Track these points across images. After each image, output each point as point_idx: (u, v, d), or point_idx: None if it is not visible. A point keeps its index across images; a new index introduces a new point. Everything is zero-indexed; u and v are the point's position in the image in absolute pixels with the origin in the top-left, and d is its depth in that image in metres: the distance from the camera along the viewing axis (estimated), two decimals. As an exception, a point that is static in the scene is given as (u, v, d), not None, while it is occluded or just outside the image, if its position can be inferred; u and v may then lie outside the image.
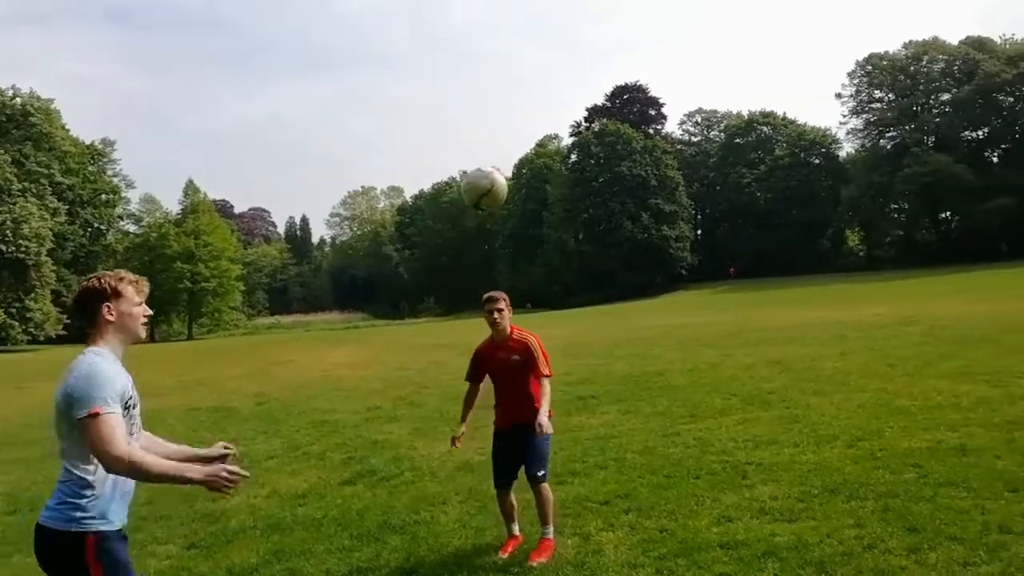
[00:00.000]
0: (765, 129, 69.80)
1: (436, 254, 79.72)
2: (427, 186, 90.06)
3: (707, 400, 9.43)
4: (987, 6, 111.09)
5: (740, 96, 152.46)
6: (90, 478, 2.42)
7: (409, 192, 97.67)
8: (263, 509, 6.06)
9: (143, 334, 2.70)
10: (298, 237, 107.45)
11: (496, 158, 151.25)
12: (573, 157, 68.13)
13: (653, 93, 71.99)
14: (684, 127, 78.40)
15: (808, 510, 4.79)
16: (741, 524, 4.66)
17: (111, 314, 2.57)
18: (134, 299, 2.62)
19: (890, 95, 62.45)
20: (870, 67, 63.66)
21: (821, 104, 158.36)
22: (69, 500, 2.41)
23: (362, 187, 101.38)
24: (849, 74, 64.77)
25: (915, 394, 8.57)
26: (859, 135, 64.83)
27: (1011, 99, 56.09)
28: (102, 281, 2.59)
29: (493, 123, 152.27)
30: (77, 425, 2.36)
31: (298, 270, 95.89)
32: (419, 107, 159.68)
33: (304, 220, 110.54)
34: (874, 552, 4.00)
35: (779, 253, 60.34)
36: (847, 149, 67.35)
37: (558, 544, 4.48)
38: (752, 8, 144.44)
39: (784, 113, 70.33)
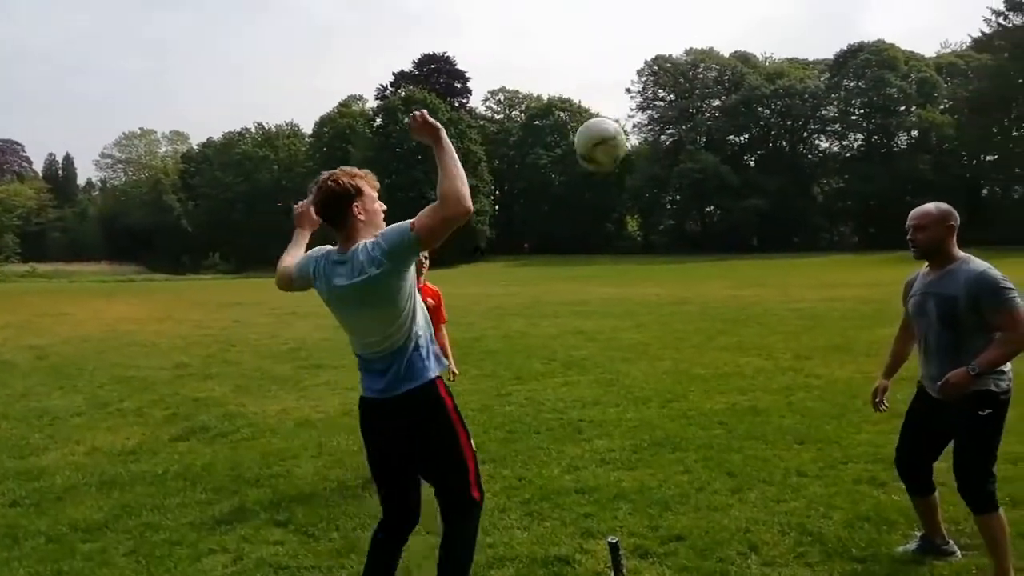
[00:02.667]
0: (562, 115, 73.18)
1: (225, 208, 74.30)
2: (217, 135, 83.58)
3: (528, 364, 10.04)
4: (751, 24, 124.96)
5: (541, 80, 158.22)
6: None
7: (196, 139, 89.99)
8: (88, 466, 5.60)
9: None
10: (60, 177, 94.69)
11: (293, 114, 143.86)
12: (379, 121, 66.90)
13: (460, 66, 72.66)
14: (488, 104, 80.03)
15: (643, 460, 5.42)
16: (588, 472, 5.18)
17: (361, 213, 2.68)
18: (373, 195, 2.75)
19: (671, 95, 68.33)
20: (656, 67, 69.12)
21: (612, 95, 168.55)
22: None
23: (140, 129, 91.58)
24: (638, 72, 69.96)
25: (705, 363, 9.78)
26: (644, 129, 70.36)
27: (767, 111, 63.85)
28: (341, 182, 2.66)
29: (291, 77, 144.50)
30: None
31: (59, 214, 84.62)
32: (203, 47, 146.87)
33: (68, 159, 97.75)
34: (704, 492, 4.67)
35: (570, 233, 63.97)
36: (633, 141, 72.76)
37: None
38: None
39: (580, 101, 74.39)
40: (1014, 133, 53.06)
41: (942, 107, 57.51)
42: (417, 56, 73.22)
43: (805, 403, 7.11)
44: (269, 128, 79.42)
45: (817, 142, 64.16)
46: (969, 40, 60.03)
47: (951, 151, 56.43)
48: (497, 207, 71.47)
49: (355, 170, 2.73)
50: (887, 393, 3.82)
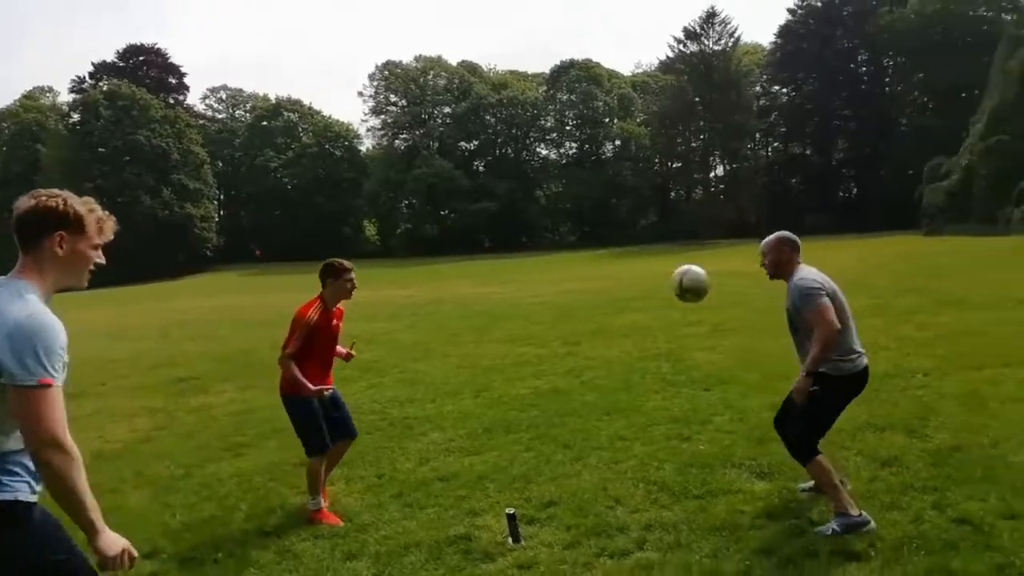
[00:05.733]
0: (292, 116, 70.86)
1: None
2: None
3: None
4: (473, 35, 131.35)
5: (267, 79, 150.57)
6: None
7: None
8: None
9: (84, 283, 2.22)
10: None
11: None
12: (76, 116, 59.21)
13: (174, 60, 66.99)
14: (208, 102, 74.77)
15: (484, 445, 5.85)
16: (440, 462, 5.49)
17: (61, 247, 2.10)
18: (94, 238, 2.18)
19: (403, 101, 69.49)
20: (387, 72, 69.86)
21: (344, 97, 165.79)
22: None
23: None
24: (370, 76, 70.14)
25: (490, 356, 10.49)
26: (378, 133, 70.72)
27: (494, 119, 67.77)
28: (65, 203, 2.11)
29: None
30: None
31: None
32: None
33: None
34: (551, 464, 5.22)
35: (306, 238, 62.14)
36: (368, 144, 72.80)
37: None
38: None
39: (310, 103, 72.59)
40: (693, 144, 62.29)
41: (639, 120, 65.61)
42: (121, 46, 66.14)
43: (595, 381, 8.07)
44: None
45: (538, 149, 69.52)
46: (657, 62, 69.34)
47: (647, 159, 64.65)
48: (223, 212, 67.16)
49: (94, 204, 2.23)
50: None
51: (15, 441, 2.01)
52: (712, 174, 63.44)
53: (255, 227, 65.56)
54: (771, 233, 4.34)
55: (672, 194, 66.35)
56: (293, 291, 34.86)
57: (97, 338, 16.64)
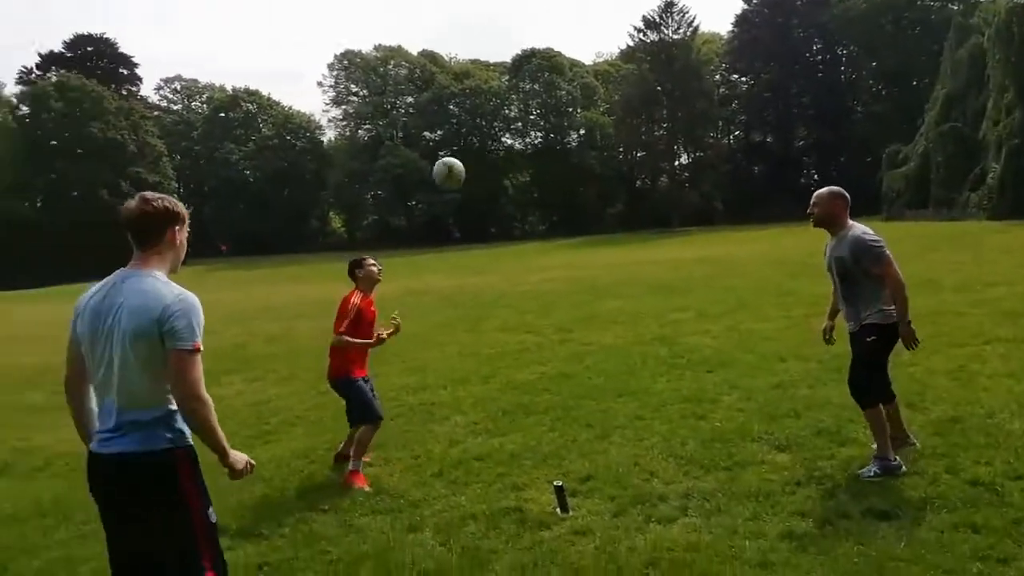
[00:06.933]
0: (251, 107, 69.71)
1: None
2: None
3: (323, 363, 10.04)
4: (439, 27, 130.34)
5: (223, 70, 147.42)
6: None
7: None
8: None
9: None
10: None
11: None
12: (25, 109, 57.47)
13: (124, 50, 65.33)
14: (162, 93, 73.11)
15: (508, 427, 6.09)
16: (470, 443, 5.71)
17: (176, 240, 2.60)
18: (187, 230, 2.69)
19: (365, 91, 68.89)
20: (347, 62, 69.15)
21: (303, 87, 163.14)
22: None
23: None
24: (329, 66, 69.37)
25: (489, 344, 10.71)
26: (340, 124, 70.05)
27: (457, 109, 67.54)
28: (174, 204, 2.61)
29: None
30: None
31: None
32: None
33: None
34: (578, 443, 5.48)
35: (270, 231, 61.40)
36: (330, 135, 72.03)
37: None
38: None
39: (269, 93, 71.47)
40: (656, 132, 63.00)
41: (602, 109, 66.09)
42: (68, 36, 64.23)
43: (599, 365, 8.35)
44: None
45: (504, 139, 69.57)
46: (618, 51, 69.87)
47: (612, 147, 65.19)
48: (191, 208, 65.91)
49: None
50: (833, 331, 4.89)
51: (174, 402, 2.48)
52: (677, 162, 64.27)
53: (218, 221, 64.45)
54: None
55: (638, 183, 67.07)
56: (267, 284, 34.81)
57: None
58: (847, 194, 4.60)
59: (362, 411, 5.12)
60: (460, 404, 7.02)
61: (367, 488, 4.81)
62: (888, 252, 4.35)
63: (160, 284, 2.48)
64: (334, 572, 3.67)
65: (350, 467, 4.99)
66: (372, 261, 5.41)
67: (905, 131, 43.42)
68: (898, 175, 41.46)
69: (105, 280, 2.57)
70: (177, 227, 2.61)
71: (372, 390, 5.32)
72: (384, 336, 5.40)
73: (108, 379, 2.46)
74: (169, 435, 2.47)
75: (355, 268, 5.40)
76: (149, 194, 2.63)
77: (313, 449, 5.84)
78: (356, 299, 5.17)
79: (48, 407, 8.52)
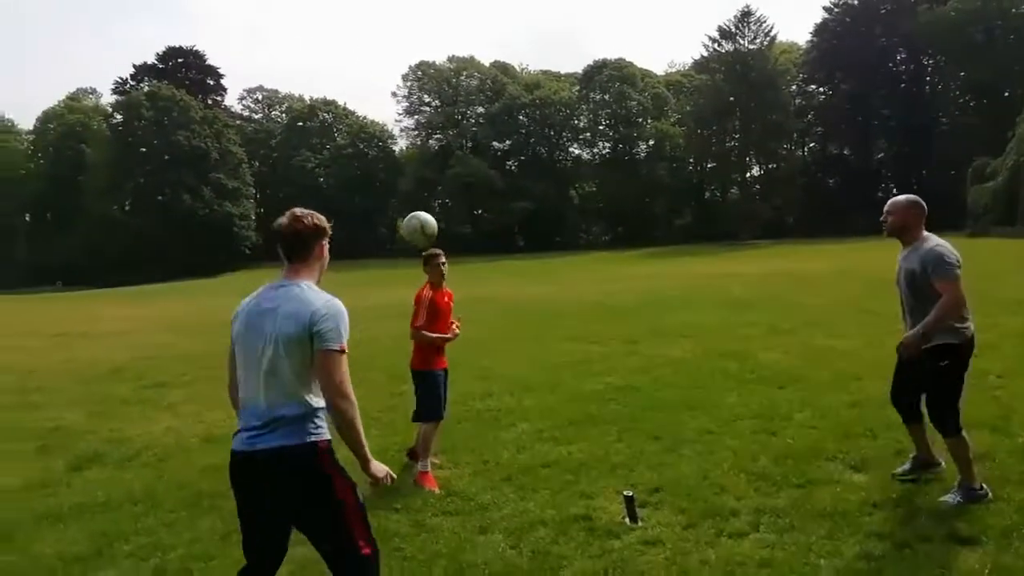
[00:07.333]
0: (327, 116, 71.88)
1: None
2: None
3: (402, 364, 10.28)
4: (505, 34, 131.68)
5: (303, 81, 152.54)
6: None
7: None
8: None
9: None
10: None
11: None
12: (119, 117, 60.67)
13: (211, 62, 68.30)
14: (245, 103, 76.09)
15: (575, 436, 6.12)
16: (537, 450, 5.76)
17: (323, 252, 2.84)
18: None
19: (437, 101, 70.14)
20: (420, 73, 70.60)
21: (378, 99, 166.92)
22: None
23: None
24: (403, 76, 70.97)
25: (556, 352, 10.74)
26: (411, 134, 71.48)
27: (527, 119, 68.06)
28: (322, 220, 2.83)
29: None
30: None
31: None
32: None
33: None
34: (646, 454, 5.47)
35: (341, 237, 62.64)
36: (402, 144, 73.56)
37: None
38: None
39: (345, 103, 73.54)
40: (728, 143, 62.05)
41: (673, 120, 65.44)
42: (161, 49, 67.53)
43: (666, 378, 8.29)
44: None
45: (572, 149, 69.73)
46: (691, 61, 69.16)
47: (681, 158, 64.48)
48: (262, 210, 68.42)
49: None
50: None
51: (321, 399, 2.66)
52: (748, 174, 63.13)
53: (292, 226, 66.50)
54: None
55: (707, 194, 66.11)
56: (337, 287, 35.59)
57: (160, 333, 17.25)
58: (924, 204, 4.38)
59: (427, 407, 5.35)
60: (526, 412, 7.08)
61: (436, 490, 4.93)
62: (959, 272, 4.10)
63: (310, 291, 2.71)
64: (409, 569, 3.77)
65: (419, 467, 5.17)
66: (437, 260, 5.59)
67: (993, 144, 41.41)
68: (985, 190, 39.63)
69: (260, 289, 2.81)
70: (324, 241, 2.84)
71: (446, 386, 5.59)
72: (457, 330, 5.58)
73: (257, 378, 2.66)
74: (313, 429, 2.65)
75: (424, 264, 5.63)
76: (299, 211, 2.82)
77: (385, 450, 5.98)
78: (427, 292, 5.43)
79: (135, 400, 9.04)
